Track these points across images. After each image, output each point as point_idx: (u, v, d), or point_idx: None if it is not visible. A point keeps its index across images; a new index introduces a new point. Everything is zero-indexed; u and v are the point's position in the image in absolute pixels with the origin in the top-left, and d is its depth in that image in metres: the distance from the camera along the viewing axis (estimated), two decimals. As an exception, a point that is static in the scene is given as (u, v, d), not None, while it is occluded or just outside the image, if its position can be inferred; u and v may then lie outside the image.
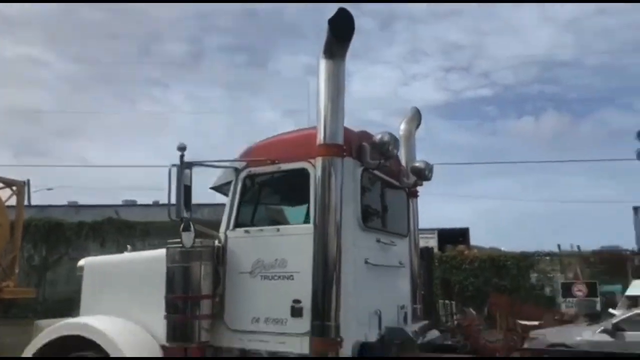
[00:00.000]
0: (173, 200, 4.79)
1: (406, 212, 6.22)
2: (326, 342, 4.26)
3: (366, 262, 4.99)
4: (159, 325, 5.10)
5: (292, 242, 4.84)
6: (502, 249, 25.88)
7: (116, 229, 23.73)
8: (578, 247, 26.90)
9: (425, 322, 5.88)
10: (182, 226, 4.73)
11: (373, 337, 4.91)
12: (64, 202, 31.77)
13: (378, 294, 5.21)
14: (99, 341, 5.09)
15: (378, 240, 5.31)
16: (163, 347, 5.15)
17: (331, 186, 4.49)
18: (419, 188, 6.40)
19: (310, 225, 4.69)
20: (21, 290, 14.96)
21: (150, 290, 5.29)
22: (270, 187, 5.50)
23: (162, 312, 5.01)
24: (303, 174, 4.88)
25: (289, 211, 5.61)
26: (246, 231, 5.12)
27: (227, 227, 5.18)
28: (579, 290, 20.03)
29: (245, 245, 5.06)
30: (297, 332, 4.62)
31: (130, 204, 32.17)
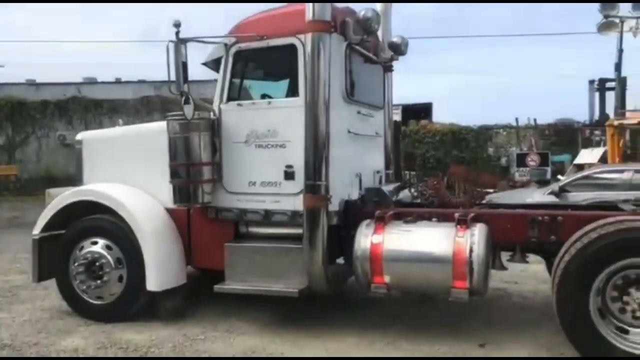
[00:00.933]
0: (172, 76, 5.13)
1: (382, 86, 6.70)
2: (318, 198, 4.92)
3: (349, 132, 5.57)
4: (161, 191, 5.70)
5: (283, 114, 5.33)
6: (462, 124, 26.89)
7: (83, 107, 23.51)
8: (534, 120, 28.24)
9: (398, 183, 6.66)
10: (183, 99, 5.12)
11: (355, 196, 5.64)
12: (20, 80, 30.65)
13: (358, 159, 5.85)
14: (111, 205, 5.66)
15: (358, 112, 5.85)
16: (167, 210, 5.79)
17: (320, 61, 4.90)
18: (394, 63, 6.83)
19: (300, 98, 5.16)
20: (4, 168, 15.21)
21: (151, 160, 5.80)
22: (258, 62, 5.85)
23: (164, 179, 5.56)
24: (291, 50, 5.24)
25: (277, 85, 6.03)
26: (239, 104, 5.56)
27: (220, 101, 5.59)
28: (532, 160, 21.53)
29: (238, 117, 5.52)
30: (290, 192, 5.28)
31: (92, 82, 31.34)
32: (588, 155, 18.39)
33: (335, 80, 5.17)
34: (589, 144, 23.31)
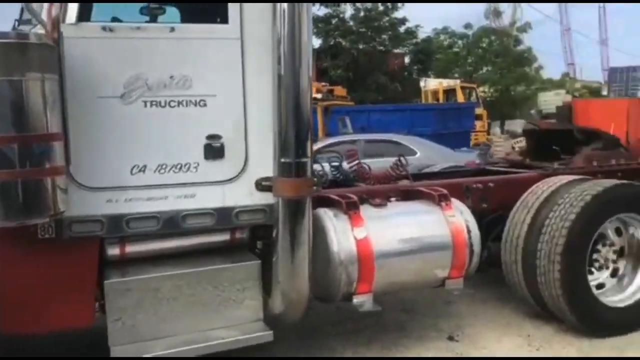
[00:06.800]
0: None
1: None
2: (304, 183, 3.17)
3: None
4: None
5: (202, 49, 3.24)
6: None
7: None
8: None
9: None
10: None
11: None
12: None
13: None
14: None
15: None
16: None
17: None
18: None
19: (232, 27, 3.25)
20: None
21: None
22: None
23: None
24: None
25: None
26: (106, 28, 3.09)
27: (62, 20, 2.99)
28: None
29: (106, 51, 3.07)
30: (217, 179, 3.30)
31: None
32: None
33: None
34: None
